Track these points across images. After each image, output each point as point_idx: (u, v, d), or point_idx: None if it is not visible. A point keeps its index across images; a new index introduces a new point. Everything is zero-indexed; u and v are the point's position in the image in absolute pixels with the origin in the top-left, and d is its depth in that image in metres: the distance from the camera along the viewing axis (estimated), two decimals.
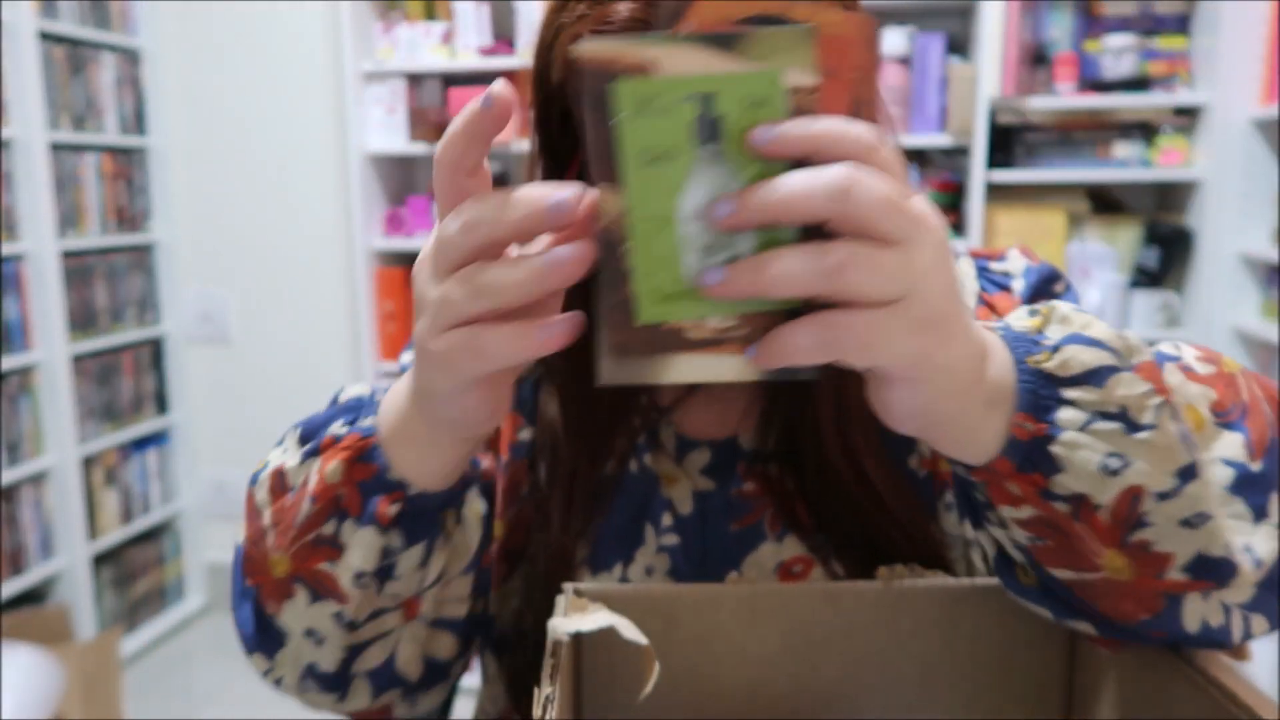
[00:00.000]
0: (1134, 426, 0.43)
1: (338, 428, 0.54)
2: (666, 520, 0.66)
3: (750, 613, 0.56)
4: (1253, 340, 2.31)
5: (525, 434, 0.69)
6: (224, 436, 2.97)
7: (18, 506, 2.41)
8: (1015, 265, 0.68)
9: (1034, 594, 0.51)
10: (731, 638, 0.56)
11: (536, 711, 0.44)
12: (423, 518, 0.54)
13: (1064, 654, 0.58)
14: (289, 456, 0.56)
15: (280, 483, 0.56)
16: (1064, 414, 0.43)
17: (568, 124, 0.58)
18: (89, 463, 2.61)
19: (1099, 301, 2.37)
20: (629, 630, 0.49)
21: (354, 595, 0.54)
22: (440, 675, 0.62)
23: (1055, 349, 0.44)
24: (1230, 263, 2.37)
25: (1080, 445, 0.43)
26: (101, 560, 2.65)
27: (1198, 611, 0.46)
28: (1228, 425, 0.47)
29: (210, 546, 3.03)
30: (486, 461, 0.68)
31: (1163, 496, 0.43)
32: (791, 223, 0.39)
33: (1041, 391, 0.43)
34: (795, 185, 0.37)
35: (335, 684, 0.58)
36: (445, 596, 0.59)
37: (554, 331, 0.41)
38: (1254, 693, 0.46)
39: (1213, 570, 0.44)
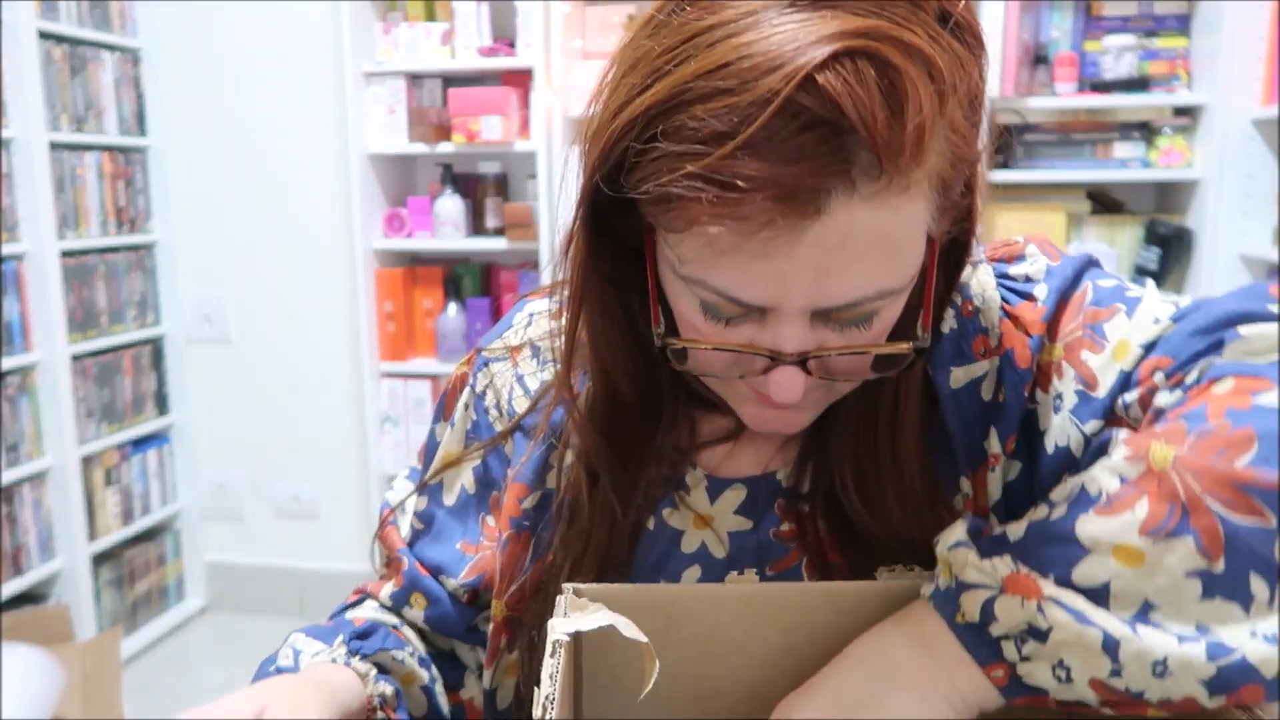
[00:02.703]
0: (1038, 634, 0.47)
1: None
2: (690, 575, 0.65)
3: (750, 613, 0.56)
4: None
5: (529, 501, 0.68)
6: (224, 436, 2.97)
7: (18, 506, 2.41)
8: (1036, 267, 0.63)
9: None
10: (731, 638, 0.56)
11: (536, 712, 0.44)
12: None
13: None
14: None
15: None
16: (1005, 650, 0.48)
17: (609, 222, 0.56)
18: (89, 463, 2.60)
19: None
20: (629, 629, 0.49)
21: None
22: None
23: (957, 599, 0.49)
24: (1230, 263, 2.37)
25: (1032, 671, 0.47)
26: (101, 560, 2.65)
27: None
28: (1172, 534, 0.45)
29: (210, 546, 3.03)
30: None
31: (1113, 674, 0.45)
32: None
33: (978, 643, 0.49)
34: None
35: None
36: None
37: None
38: None
39: (1230, 681, 0.44)
